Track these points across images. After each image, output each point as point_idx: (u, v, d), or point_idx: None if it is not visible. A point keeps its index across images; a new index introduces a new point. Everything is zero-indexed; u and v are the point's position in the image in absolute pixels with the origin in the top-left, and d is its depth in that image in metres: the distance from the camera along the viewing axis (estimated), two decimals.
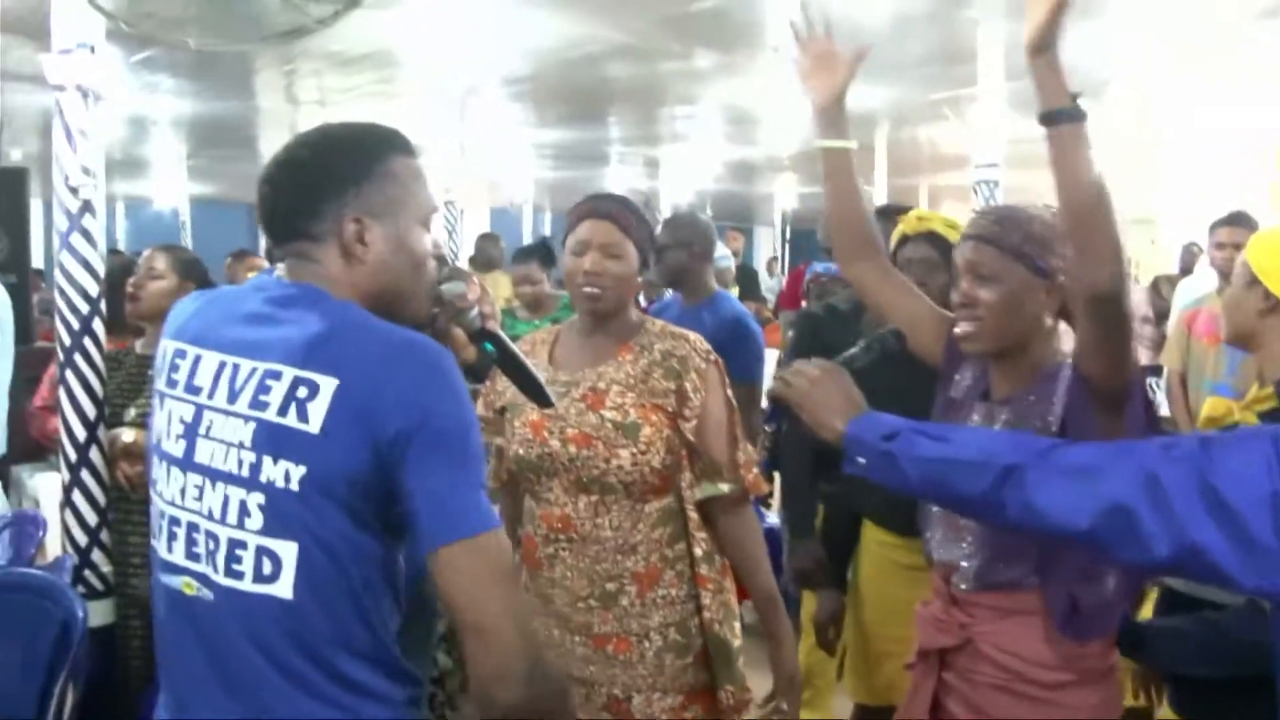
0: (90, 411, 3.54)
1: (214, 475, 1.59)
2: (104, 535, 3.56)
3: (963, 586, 2.19)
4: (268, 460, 1.54)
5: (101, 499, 3.56)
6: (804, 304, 5.52)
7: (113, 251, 7.76)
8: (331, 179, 1.66)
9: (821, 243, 6.88)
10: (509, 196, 16.92)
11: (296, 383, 1.54)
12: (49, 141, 3.57)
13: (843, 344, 2.35)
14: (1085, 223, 1.84)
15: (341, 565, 1.54)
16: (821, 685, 4.02)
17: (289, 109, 9.58)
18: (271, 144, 11.51)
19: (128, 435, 3.46)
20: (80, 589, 3.41)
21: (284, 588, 1.53)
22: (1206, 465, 1.35)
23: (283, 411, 1.54)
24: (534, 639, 1.55)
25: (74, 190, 3.50)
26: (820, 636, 3.51)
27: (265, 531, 1.54)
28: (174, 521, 1.64)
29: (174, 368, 1.68)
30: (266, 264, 8.13)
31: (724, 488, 2.54)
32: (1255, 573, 1.32)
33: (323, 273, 1.66)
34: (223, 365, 1.62)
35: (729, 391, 2.60)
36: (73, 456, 3.54)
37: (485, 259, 9.10)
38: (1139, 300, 5.38)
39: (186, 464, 1.62)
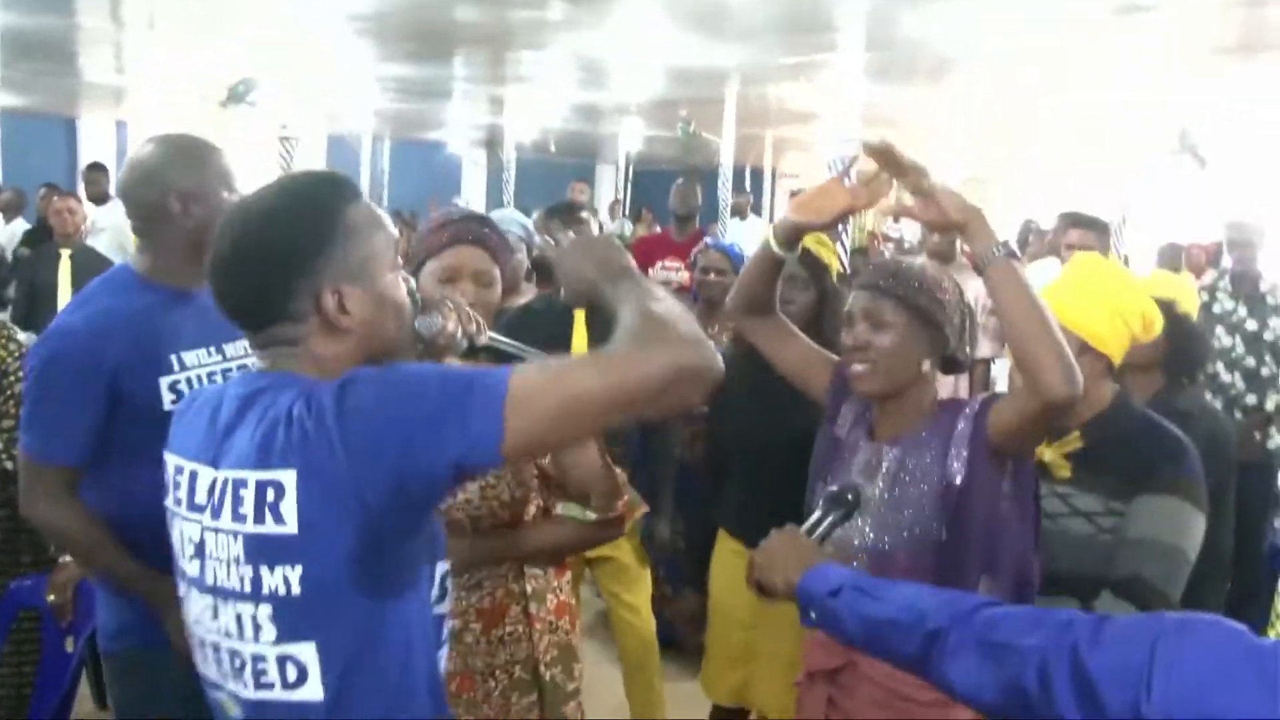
0: None
1: (223, 594, 1.52)
2: None
3: None
4: (264, 570, 1.47)
5: None
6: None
7: None
8: (296, 253, 1.52)
9: (674, 210, 6.79)
10: (348, 126, 16.34)
11: (261, 486, 1.46)
12: None
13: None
14: (1028, 344, 2.03)
15: (366, 641, 1.48)
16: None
17: (113, 28, 8.99)
18: (94, 61, 10.85)
19: None
20: None
21: (313, 689, 1.48)
22: (1089, 654, 1.36)
23: (259, 519, 1.46)
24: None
25: None
26: (675, 630, 3.89)
27: (280, 640, 1.48)
28: (201, 642, 1.60)
29: (176, 485, 1.61)
30: (82, 204, 7.63)
31: (590, 515, 2.38)
32: None
33: (304, 353, 1.55)
34: (214, 480, 1.53)
35: None
36: None
37: (98, 191, 9.00)
38: (981, 290, 5.45)
39: (201, 585, 1.56)
